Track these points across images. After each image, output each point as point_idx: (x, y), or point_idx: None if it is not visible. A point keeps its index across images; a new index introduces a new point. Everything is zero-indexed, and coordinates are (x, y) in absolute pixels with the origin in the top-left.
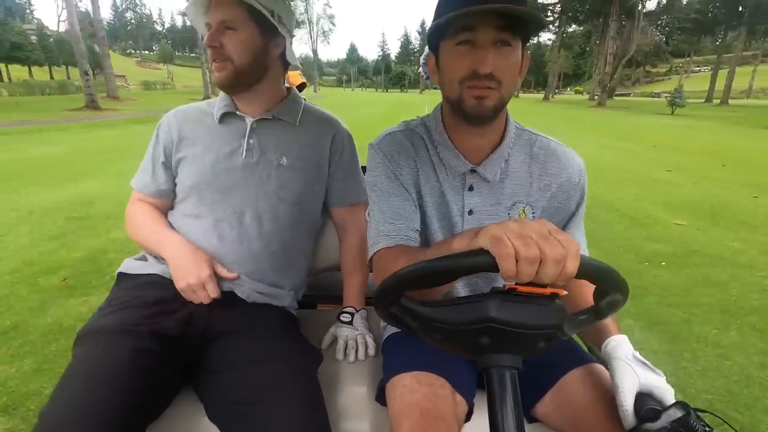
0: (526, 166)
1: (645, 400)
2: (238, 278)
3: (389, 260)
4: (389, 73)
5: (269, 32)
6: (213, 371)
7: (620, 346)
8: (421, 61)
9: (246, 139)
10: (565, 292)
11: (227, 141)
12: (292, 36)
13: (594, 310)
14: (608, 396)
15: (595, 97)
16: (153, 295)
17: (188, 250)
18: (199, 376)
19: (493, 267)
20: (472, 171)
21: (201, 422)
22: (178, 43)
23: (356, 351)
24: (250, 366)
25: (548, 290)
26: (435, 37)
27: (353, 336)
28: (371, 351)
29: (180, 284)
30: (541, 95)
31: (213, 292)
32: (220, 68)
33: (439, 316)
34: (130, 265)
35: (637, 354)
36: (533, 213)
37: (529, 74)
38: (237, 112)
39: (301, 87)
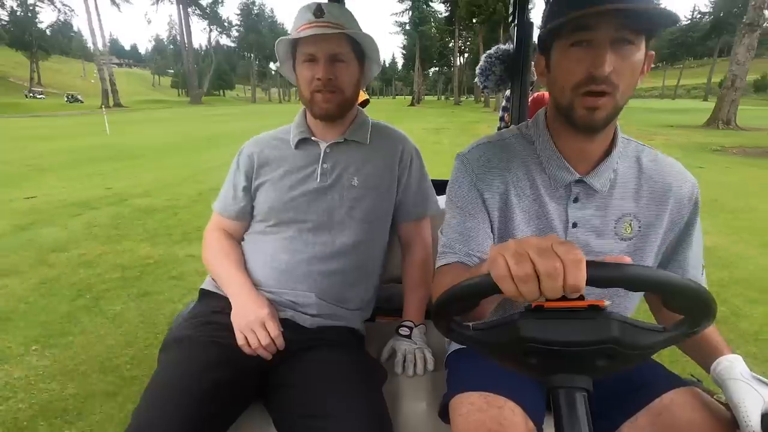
0: (635, 178)
1: None
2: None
3: (445, 277)
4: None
5: (362, 64)
6: (282, 386)
7: (734, 366)
8: (477, 71)
9: (320, 163)
10: (607, 303)
11: (303, 166)
12: (380, 67)
13: (674, 323)
14: (721, 418)
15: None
16: (229, 315)
17: (250, 291)
18: (269, 389)
19: (497, 289)
20: (579, 181)
21: None
22: None
23: (415, 365)
24: (318, 383)
25: (583, 303)
26: (547, 37)
27: (412, 350)
28: (430, 366)
29: (238, 322)
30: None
31: (273, 330)
32: (329, 99)
33: (480, 338)
34: (212, 284)
35: (754, 373)
36: (639, 227)
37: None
38: (312, 138)
39: (364, 104)
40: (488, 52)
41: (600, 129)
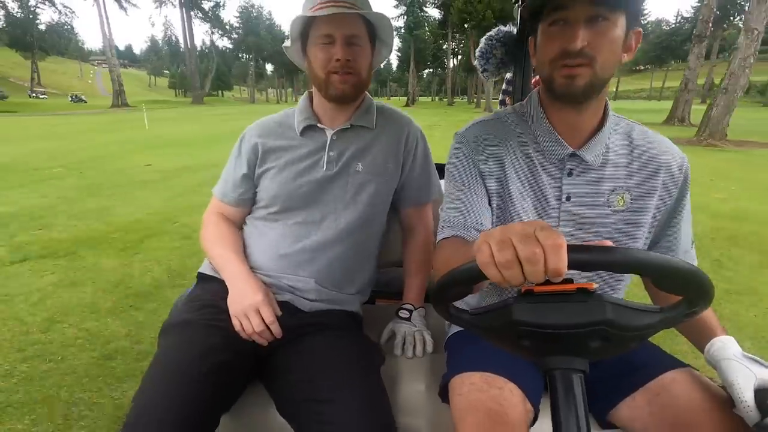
0: (627, 152)
1: (766, 395)
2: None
3: (444, 251)
4: None
5: (373, 47)
6: (282, 369)
7: (727, 346)
8: (477, 53)
9: (326, 151)
10: (595, 286)
11: (308, 154)
12: (390, 52)
13: (667, 304)
14: (717, 398)
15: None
16: (226, 298)
17: (247, 276)
18: (269, 372)
19: (484, 275)
20: (573, 155)
21: (271, 415)
22: None
23: (414, 347)
24: (317, 367)
25: (572, 286)
26: (532, 20)
27: (411, 332)
28: (429, 348)
29: (234, 308)
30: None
31: (268, 317)
32: (345, 80)
33: (477, 322)
34: (210, 267)
35: (746, 353)
36: (632, 199)
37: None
38: (318, 125)
39: None
40: (489, 33)
41: (581, 98)
